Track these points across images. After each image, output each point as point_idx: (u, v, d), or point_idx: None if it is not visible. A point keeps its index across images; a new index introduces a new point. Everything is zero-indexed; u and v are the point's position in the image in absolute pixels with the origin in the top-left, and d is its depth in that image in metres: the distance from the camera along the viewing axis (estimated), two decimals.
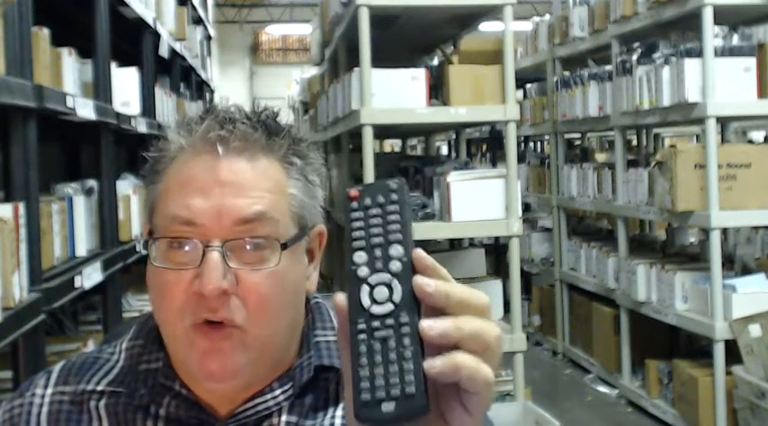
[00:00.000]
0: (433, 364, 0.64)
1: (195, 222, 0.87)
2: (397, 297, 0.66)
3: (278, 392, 0.93)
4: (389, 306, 0.66)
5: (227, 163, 0.89)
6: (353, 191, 0.69)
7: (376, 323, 0.66)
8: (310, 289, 0.97)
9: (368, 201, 0.69)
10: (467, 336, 0.66)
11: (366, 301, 0.67)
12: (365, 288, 0.67)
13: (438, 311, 0.67)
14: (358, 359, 0.66)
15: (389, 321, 0.66)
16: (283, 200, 0.91)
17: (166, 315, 0.88)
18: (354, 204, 0.69)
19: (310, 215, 0.95)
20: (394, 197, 0.69)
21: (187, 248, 0.87)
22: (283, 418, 0.93)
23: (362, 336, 0.66)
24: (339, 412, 0.94)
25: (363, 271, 0.67)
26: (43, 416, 0.95)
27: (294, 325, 0.95)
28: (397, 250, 0.67)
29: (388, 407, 0.64)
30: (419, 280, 0.67)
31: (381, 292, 0.67)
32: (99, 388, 0.95)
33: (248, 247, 0.87)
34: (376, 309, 0.66)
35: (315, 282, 0.98)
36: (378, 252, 0.68)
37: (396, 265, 0.67)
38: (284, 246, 0.88)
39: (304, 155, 0.95)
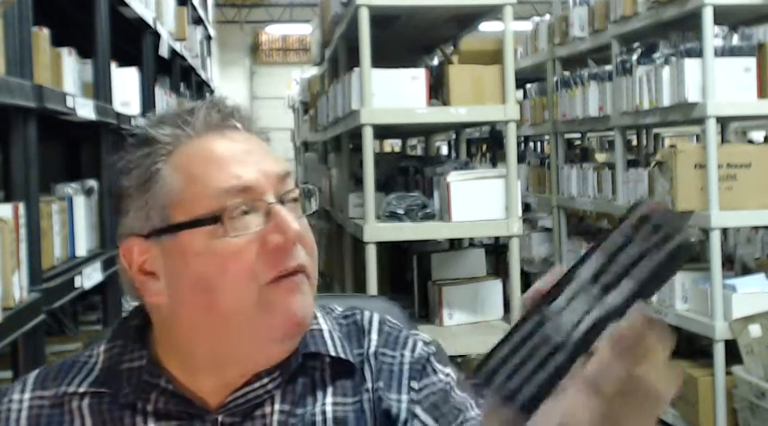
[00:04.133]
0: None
1: (250, 187, 0.90)
2: (584, 326, 0.60)
3: (266, 380, 0.94)
4: (568, 326, 0.60)
5: (239, 135, 0.94)
6: (652, 204, 0.62)
7: (543, 331, 0.61)
8: None
9: (648, 228, 0.61)
10: None
11: (556, 306, 0.61)
12: (565, 297, 0.61)
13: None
14: (502, 345, 0.62)
15: (556, 339, 0.61)
16: None
17: (234, 282, 0.89)
18: (635, 221, 0.61)
19: None
20: (670, 241, 0.60)
21: (249, 213, 0.90)
22: (276, 407, 0.94)
23: (524, 332, 0.62)
24: (329, 399, 0.96)
25: (583, 277, 0.61)
26: (23, 421, 0.93)
27: None
28: (626, 286, 0.60)
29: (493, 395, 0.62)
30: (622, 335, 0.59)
31: (575, 308, 0.61)
32: (81, 390, 0.95)
33: (291, 200, 0.94)
34: (553, 322, 0.61)
35: None
36: (608, 278, 0.61)
37: (613, 299, 0.60)
38: (308, 194, 0.96)
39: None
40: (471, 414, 0.97)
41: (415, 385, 0.98)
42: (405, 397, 0.97)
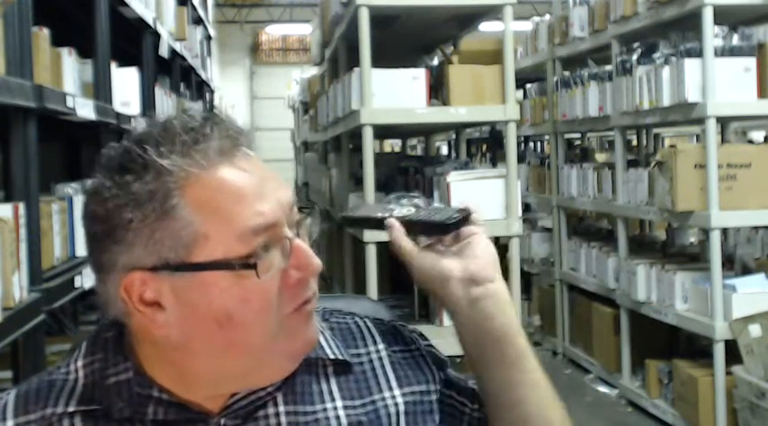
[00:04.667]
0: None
1: (274, 223, 0.89)
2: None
3: None
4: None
5: (248, 162, 0.91)
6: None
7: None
8: None
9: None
10: None
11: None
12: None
13: None
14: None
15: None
16: None
17: (257, 317, 0.88)
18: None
19: None
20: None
21: (270, 248, 0.89)
22: (281, 408, 0.94)
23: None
24: (339, 403, 0.97)
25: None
26: None
27: None
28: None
29: None
30: None
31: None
32: (70, 409, 0.90)
33: (300, 225, 0.94)
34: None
35: None
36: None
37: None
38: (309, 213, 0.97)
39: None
40: (468, 382, 1.07)
41: (441, 374, 1.05)
42: (436, 387, 1.03)
